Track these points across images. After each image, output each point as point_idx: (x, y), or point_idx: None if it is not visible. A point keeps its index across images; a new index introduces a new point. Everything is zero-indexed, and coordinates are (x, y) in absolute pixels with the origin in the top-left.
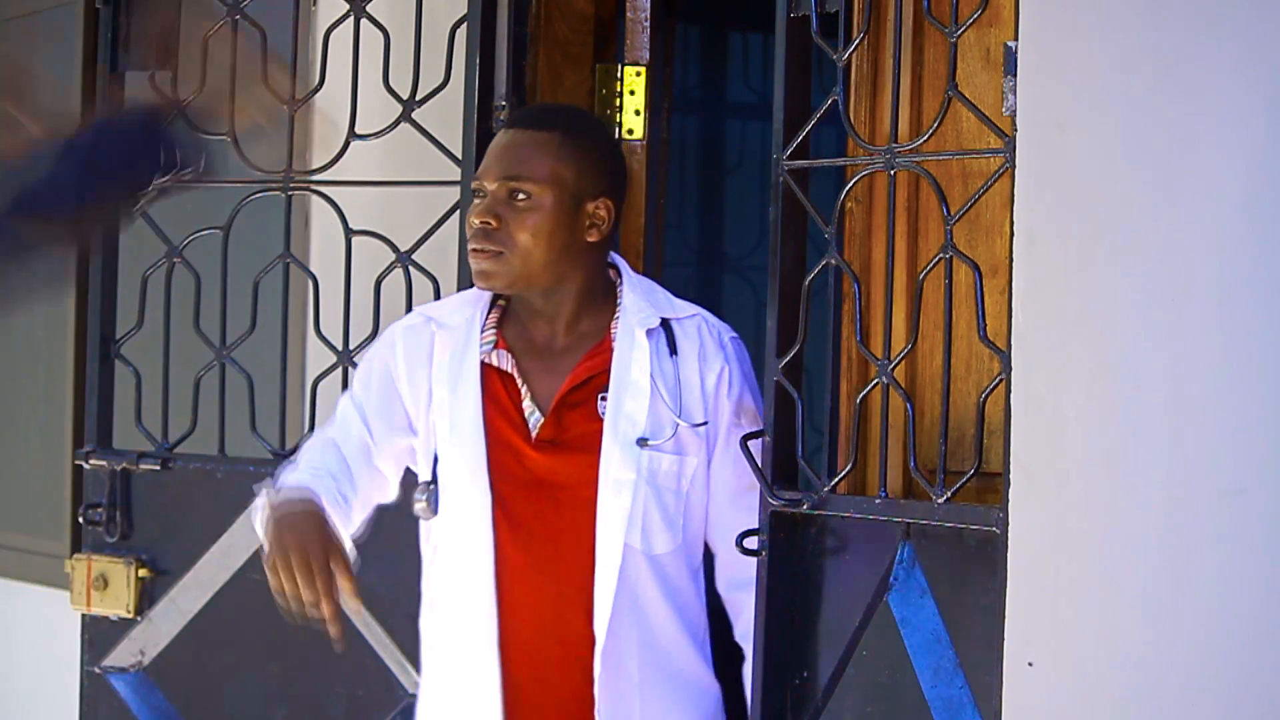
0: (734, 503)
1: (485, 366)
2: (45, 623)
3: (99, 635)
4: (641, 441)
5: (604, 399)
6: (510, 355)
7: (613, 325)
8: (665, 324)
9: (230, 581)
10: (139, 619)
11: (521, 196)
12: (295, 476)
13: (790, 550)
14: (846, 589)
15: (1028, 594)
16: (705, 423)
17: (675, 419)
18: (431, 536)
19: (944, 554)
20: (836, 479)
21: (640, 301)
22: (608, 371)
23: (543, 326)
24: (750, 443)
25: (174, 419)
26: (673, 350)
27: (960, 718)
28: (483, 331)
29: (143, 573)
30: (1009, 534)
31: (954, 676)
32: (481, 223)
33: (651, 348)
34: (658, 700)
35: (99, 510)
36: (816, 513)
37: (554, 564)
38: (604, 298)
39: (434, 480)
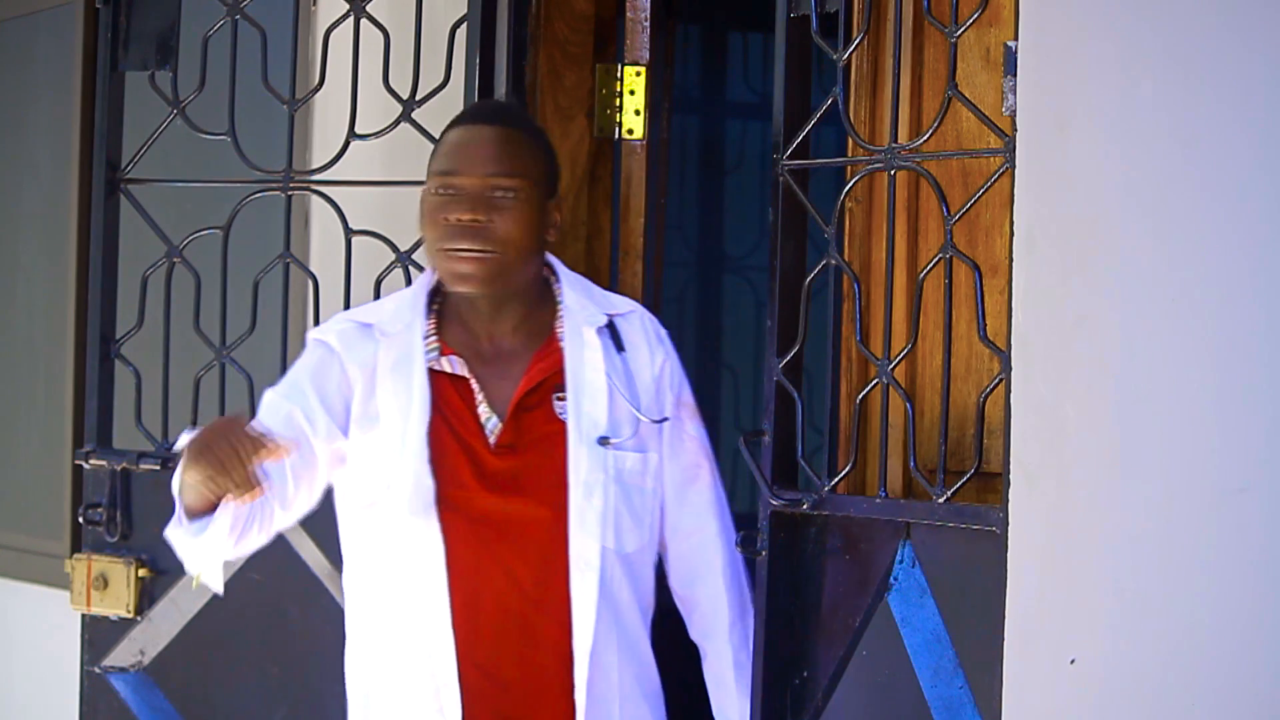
0: (679, 496)
1: (433, 374)
2: (45, 623)
3: (99, 635)
4: (603, 440)
5: (560, 399)
6: (462, 360)
7: (557, 325)
8: (609, 320)
9: (230, 581)
10: (139, 619)
11: (502, 193)
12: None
13: (790, 550)
14: (846, 589)
15: (1028, 594)
16: (666, 419)
17: (638, 415)
18: (368, 556)
19: (944, 554)
20: (836, 479)
21: (581, 299)
22: (560, 372)
23: (488, 328)
24: (749, 442)
25: (174, 419)
26: (619, 346)
27: (960, 718)
28: (425, 338)
29: (143, 573)
30: (1009, 534)
31: (954, 676)
32: (471, 220)
33: (602, 345)
34: (633, 702)
35: (99, 510)
36: (816, 513)
37: (521, 568)
38: (542, 297)
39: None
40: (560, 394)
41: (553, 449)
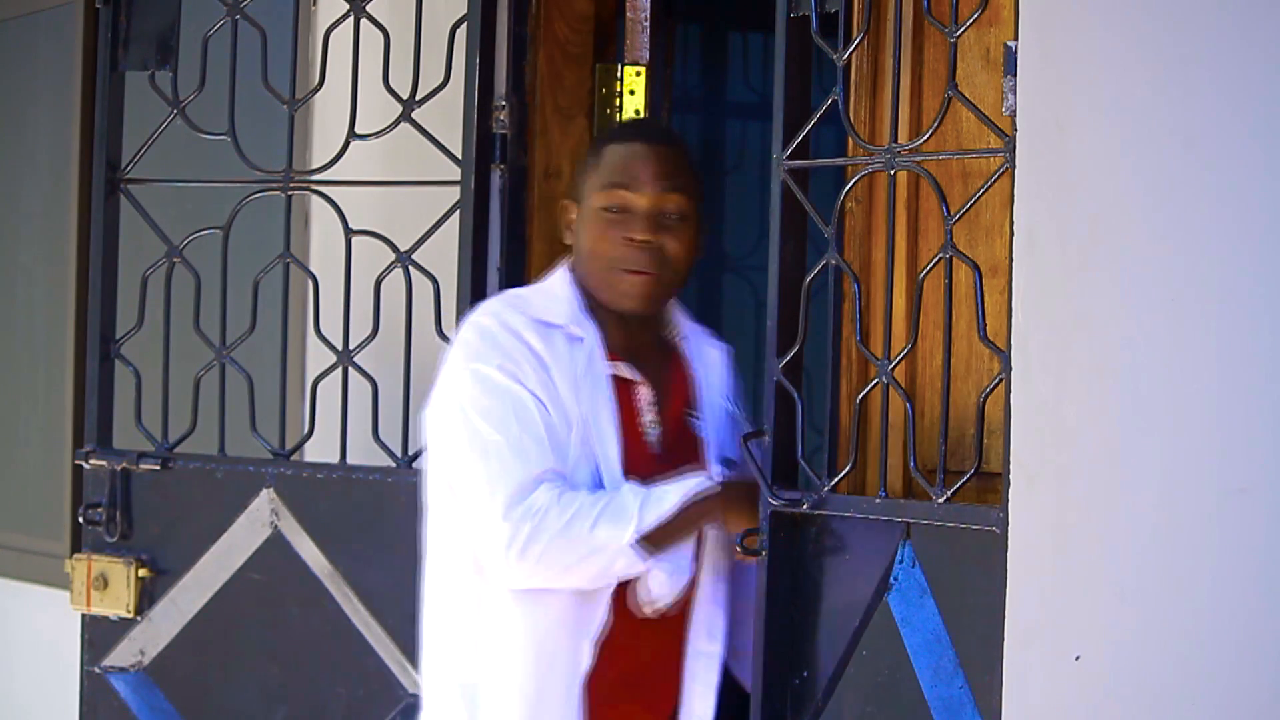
0: None
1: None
2: (45, 623)
3: (99, 635)
4: (726, 461)
5: (691, 416)
6: (633, 366)
7: (677, 339)
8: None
9: (230, 581)
10: (139, 619)
11: (674, 214)
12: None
13: (790, 550)
14: (846, 589)
15: (1028, 594)
16: (763, 433)
17: (754, 434)
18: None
19: (944, 554)
20: (836, 479)
21: (688, 319)
22: (691, 388)
23: (639, 339)
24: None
25: (174, 419)
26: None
27: (960, 718)
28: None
29: (143, 573)
30: (1009, 534)
31: (954, 676)
32: (646, 240)
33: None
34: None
35: (99, 510)
36: (816, 513)
37: None
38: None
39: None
40: (689, 408)
41: (692, 461)
